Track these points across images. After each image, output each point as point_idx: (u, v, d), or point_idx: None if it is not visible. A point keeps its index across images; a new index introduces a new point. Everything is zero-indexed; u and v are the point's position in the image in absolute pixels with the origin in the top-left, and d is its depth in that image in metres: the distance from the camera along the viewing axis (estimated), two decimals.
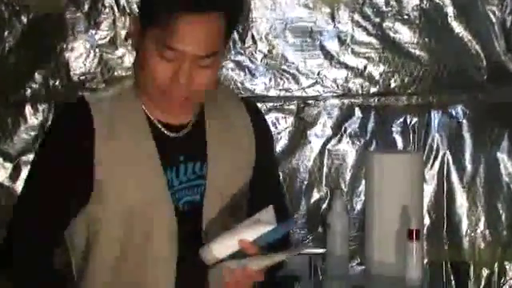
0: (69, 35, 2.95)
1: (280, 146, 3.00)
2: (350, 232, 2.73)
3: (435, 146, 3.01)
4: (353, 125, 3.02)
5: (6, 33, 2.92)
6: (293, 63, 3.00)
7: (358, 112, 3.02)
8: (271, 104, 3.00)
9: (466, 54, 2.98)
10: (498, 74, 2.98)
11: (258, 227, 1.64)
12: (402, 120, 3.02)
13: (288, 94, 3.01)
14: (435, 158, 3.01)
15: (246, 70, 3.00)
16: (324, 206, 3.00)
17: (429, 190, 2.98)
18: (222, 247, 1.66)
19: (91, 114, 1.70)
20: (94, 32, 2.96)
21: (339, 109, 3.02)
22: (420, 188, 2.65)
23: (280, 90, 3.01)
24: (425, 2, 2.97)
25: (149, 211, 1.72)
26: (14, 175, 2.98)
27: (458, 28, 2.98)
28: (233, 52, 2.98)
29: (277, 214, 1.78)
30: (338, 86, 3.01)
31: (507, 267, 3.01)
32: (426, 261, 2.87)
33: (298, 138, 3.01)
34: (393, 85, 3.01)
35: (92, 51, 2.97)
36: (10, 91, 2.96)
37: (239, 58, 2.99)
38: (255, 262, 1.65)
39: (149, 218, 1.72)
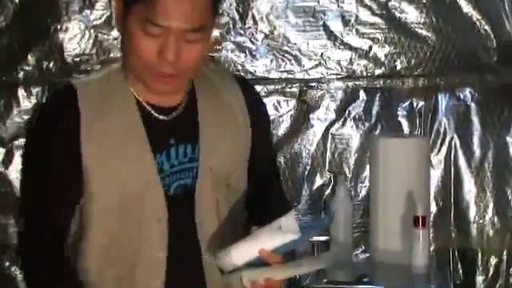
0: (63, 15, 2.94)
1: (282, 130, 3.00)
2: (353, 219, 2.73)
3: (442, 130, 3.01)
4: (357, 108, 3.02)
5: None
6: (295, 44, 2.99)
7: (362, 95, 3.02)
8: (272, 87, 3.00)
9: (474, 34, 2.97)
10: (509, 55, 2.96)
11: (280, 236, 1.61)
12: (408, 103, 3.01)
13: (290, 76, 3.00)
14: (442, 142, 3.01)
15: (247, 52, 2.99)
16: (327, 191, 3.01)
17: (436, 175, 2.98)
18: (241, 254, 1.64)
19: (77, 100, 1.70)
20: (88, 12, 2.94)
21: (343, 91, 3.01)
22: (426, 173, 2.64)
23: (282, 72, 3.00)
24: None
25: (138, 197, 1.71)
26: (6, 160, 2.97)
27: (466, 7, 2.97)
28: (233, 33, 2.97)
29: (274, 194, 1.81)
30: (341, 68, 3.00)
31: None
32: (432, 248, 2.86)
33: (301, 121, 3.01)
34: (399, 66, 3.00)
35: (87, 32, 2.95)
36: (2, 74, 2.95)
37: (239, 38, 2.98)
38: (277, 273, 1.63)
39: (139, 204, 1.71)
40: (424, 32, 2.98)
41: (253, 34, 2.98)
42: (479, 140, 2.99)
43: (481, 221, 2.99)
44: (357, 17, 2.98)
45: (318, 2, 2.97)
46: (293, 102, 3.00)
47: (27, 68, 2.95)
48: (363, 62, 3.00)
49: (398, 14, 2.98)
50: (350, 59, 2.99)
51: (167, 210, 1.72)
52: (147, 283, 1.73)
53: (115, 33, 2.94)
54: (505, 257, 3.00)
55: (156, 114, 1.73)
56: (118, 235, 1.72)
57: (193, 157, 1.74)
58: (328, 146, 3.01)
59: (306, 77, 2.99)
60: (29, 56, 2.94)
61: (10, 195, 2.92)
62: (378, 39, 2.99)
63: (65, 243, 1.73)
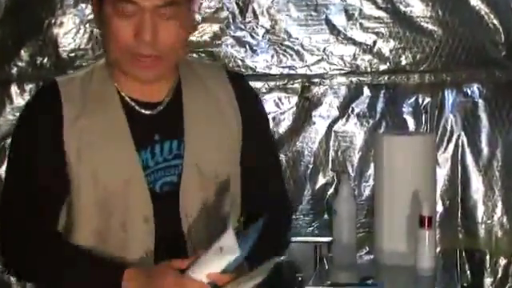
0: (57, 9, 2.93)
1: (283, 127, 2.99)
2: (357, 219, 2.71)
3: (449, 128, 3.00)
4: (361, 105, 3.01)
5: None
6: (297, 39, 2.98)
7: (366, 91, 3.01)
8: (273, 83, 2.99)
9: (482, 28, 2.95)
10: None
11: (222, 258, 1.64)
12: (413, 100, 3.00)
13: (291, 71, 3.00)
14: (449, 140, 3.00)
15: (247, 47, 2.98)
16: (330, 191, 3.00)
17: (442, 174, 2.97)
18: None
19: (60, 98, 1.71)
20: (84, 6, 2.93)
21: (346, 88, 3.00)
22: (433, 172, 2.62)
23: (283, 67, 2.99)
24: None
25: (122, 194, 1.72)
26: None
27: (474, 0, 2.95)
28: (232, 27, 2.96)
29: (275, 200, 1.81)
30: (345, 64, 3.00)
31: None
32: (438, 249, 2.85)
33: (303, 119, 3.00)
34: (404, 62, 2.99)
35: (82, 26, 2.95)
36: None
37: (239, 33, 2.97)
38: None
39: (123, 202, 1.72)
40: (430, 26, 2.97)
41: (253, 29, 2.97)
42: (487, 137, 2.98)
43: (489, 221, 2.98)
44: (361, 10, 2.96)
45: None
46: (294, 99, 3.00)
47: (20, 64, 2.94)
48: (367, 57, 2.99)
49: (403, 8, 2.96)
50: (354, 54, 2.99)
51: (153, 207, 1.73)
52: None
53: None
54: None
55: (140, 109, 1.74)
56: (104, 234, 1.73)
57: (178, 153, 1.74)
58: (331, 144, 3.00)
59: (308, 72, 2.99)
60: (22, 51, 2.94)
61: None
62: (383, 34, 2.98)
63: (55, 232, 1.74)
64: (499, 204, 2.98)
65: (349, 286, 2.44)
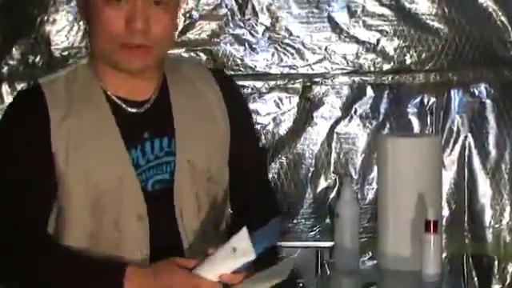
0: (50, 6, 2.92)
1: (284, 128, 2.99)
2: (360, 223, 2.70)
3: (455, 129, 3.00)
4: (364, 105, 3.00)
5: None
6: (298, 37, 2.97)
7: (369, 91, 3.00)
8: (274, 82, 2.98)
9: (490, 25, 2.95)
10: None
11: (236, 259, 1.65)
12: (418, 100, 3.00)
13: (292, 71, 2.99)
14: (455, 141, 3.00)
15: (246, 45, 2.97)
16: (332, 194, 3.00)
17: (448, 176, 2.97)
18: None
19: (45, 100, 1.72)
20: None
21: (349, 87, 3.00)
22: (438, 175, 2.61)
23: (283, 66, 2.99)
24: None
25: (114, 194, 1.73)
26: None
27: None
28: (231, 25, 2.95)
29: (263, 199, 1.86)
30: (347, 63, 2.99)
31: None
32: (444, 255, 2.85)
33: (304, 119, 2.99)
34: (408, 61, 2.99)
35: (75, 24, 2.94)
36: None
37: (238, 31, 2.96)
38: None
39: (116, 202, 1.73)
40: (436, 24, 2.96)
41: (253, 26, 2.96)
42: (495, 139, 2.98)
43: (497, 225, 2.98)
44: (364, 8, 2.96)
45: None
46: (295, 99, 2.99)
47: (12, 62, 2.94)
48: (371, 56, 2.98)
49: (407, 5, 2.96)
50: (357, 53, 2.98)
51: (146, 206, 1.74)
52: None
53: None
54: None
55: (127, 108, 1.75)
56: (97, 235, 1.73)
57: (169, 150, 1.77)
58: (333, 145, 3.00)
59: (310, 72, 2.98)
60: (13, 49, 2.93)
61: None
62: (387, 32, 2.97)
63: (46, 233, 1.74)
64: (508, 208, 2.98)
65: None
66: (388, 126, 2.99)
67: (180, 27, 2.89)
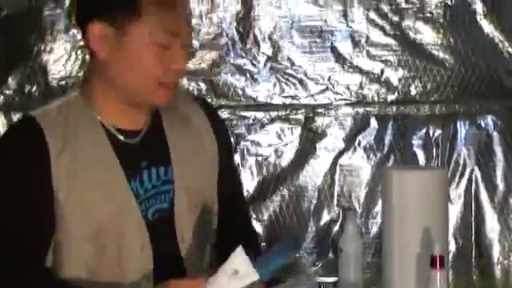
0: (47, 35, 2.93)
1: (286, 160, 2.99)
2: (364, 258, 2.67)
3: (462, 162, 2.99)
4: (368, 137, 3.00)
5: None
6: (300, 67, 2.98)
7: (373, 122, 3.00)
8: (275, 113, 2.98)
9: (497, 56, 2.96)
10: None
11: (241, 281, 1.66)
12: (423, 132, 3.00)
13: (295, 101, 2.99)
14: (462, 174, 2.99)
15: (248, 75, 2.98)
16: (335, 228, 2.99)
17: (455, 211, 2.97)
18: None
19: (42, 132, 1.72)
20: (75, 31, 2.92)
21: (352, 119, 3.00)
22: (445, 209, 2.58)
23: (285, 97, 2.99)
24: None
25: (117, 225, 1.74)
26: None
27: (488, 27, 2.96)
28: (232, 54, 2.96)
29: (245, 226, 1.95)
30: (351, 93, 2.99)
31: None
32: None
33: (306, 151, 2.99)
34: (413, 92, 2.99)
35: (73, 53, 2.94)
36: None
37: (239, 60, 2.97)
38: None
39: (118, 233, 1.74)
40: (441, 54, 2.97)
41: (254, 56, 2.97)
42: (502, 172, 2.98)
43: (505, 261, 2.97)
44: (367, 37, 2.97)
45: (326, 21, 2.97)
46: (298, 130, 3.00)
47: (7, 92, 2.94)
48: (374, 86, 2.99)
49: (412, 35, 2.97)
50: (360, 83, 2.99)
51: (148, 235, 1.77)
52: None
53: None
54: None
55: (124, 138, 1.77)
56: (96, 268, 1.74)
57: (166, 179, 1.80)
58: (336, 178, 2.99)
59: (313, 102, 2.98)
60: (9, 79, 2.94)
61: None
62: (391, 62, 2.98)
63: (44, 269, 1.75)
64: None
65: None
66: (392, 158, 2.99)
67: None
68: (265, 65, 2.97)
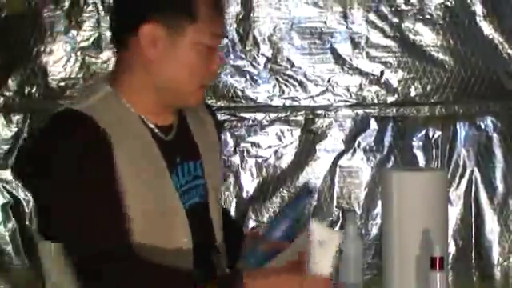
0: (47, 36, 2.95)
1: (286, 161, 2.99)
2: (364, 260, 2.70)
3: (461, 163, 3.00)
4: (368, 138, 3.01)
5: None
6: (300, 68, 2.99)
7: (373, 124, 3.01)
8: (275, 115, 2.99)
9: (496, 57, 2.96)
10: None
11: (331, 248, 1.73)
12: (423, 133, 3.01)
13: (294, 103, 3.00)
14: (462, 176, 3.00)
15: (247, 76, 2.98)
16: (335, 229, 2.93)
17: (454, 212, 2.97)
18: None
19: (98, 124, 1.72)
20: (75, 33, 2.95)
21: (352, 120, 3.01)
22: (444, 210, 2.58)
23: (285, 98, 3.00)
24: (450, 0, 2.95)
25: (166, 220, 1.77)
26: None
27: (487, 28, 2.96)
28: (232, 56, 2.97)
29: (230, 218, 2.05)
30: (350, 95, 3.00)
31: None
32: None
33: (306, 152, 3.00)
34: (413, 93, 2.99)
35: (73, 54, 2.96)
36: None
37: (239, 62, 2.98)
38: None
39: (167, 228, 1.77)
40: (441, 56, 2.98)
41: (254, 58, 2.98)
42: (502, 173, 2.98)
43: (505, 263, 2.98)
44: (367, 39, 2.98)
45: (325, 22, 2.97)
46: (298, 132, 3.01)
47: (7, 93, 2.95)
48: (374, 88, 2.99)
49: (412, 36, 2.98)
50: (360, 85, 2.99)
51: (190, 230, 1.80)
52: None
53: (104, 55, 2.94)
54: None
55: (161, 134, 1.81)
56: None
57: (196, 174, 1.85)
58: (336, 179, 3.00)
59: (312, 104, 2.99)
60: (9, 80, 2.95)
61: None
62: (391, 63, 2.99)
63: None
64: None
65: None
66: (392, 159, 2.99)
67: None
68: (265, 66, 2.98)
